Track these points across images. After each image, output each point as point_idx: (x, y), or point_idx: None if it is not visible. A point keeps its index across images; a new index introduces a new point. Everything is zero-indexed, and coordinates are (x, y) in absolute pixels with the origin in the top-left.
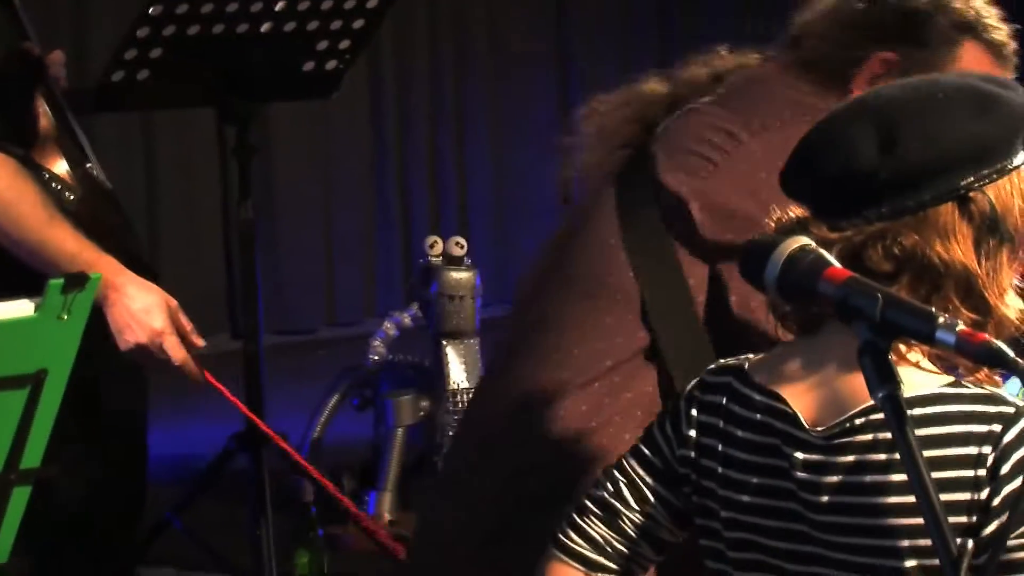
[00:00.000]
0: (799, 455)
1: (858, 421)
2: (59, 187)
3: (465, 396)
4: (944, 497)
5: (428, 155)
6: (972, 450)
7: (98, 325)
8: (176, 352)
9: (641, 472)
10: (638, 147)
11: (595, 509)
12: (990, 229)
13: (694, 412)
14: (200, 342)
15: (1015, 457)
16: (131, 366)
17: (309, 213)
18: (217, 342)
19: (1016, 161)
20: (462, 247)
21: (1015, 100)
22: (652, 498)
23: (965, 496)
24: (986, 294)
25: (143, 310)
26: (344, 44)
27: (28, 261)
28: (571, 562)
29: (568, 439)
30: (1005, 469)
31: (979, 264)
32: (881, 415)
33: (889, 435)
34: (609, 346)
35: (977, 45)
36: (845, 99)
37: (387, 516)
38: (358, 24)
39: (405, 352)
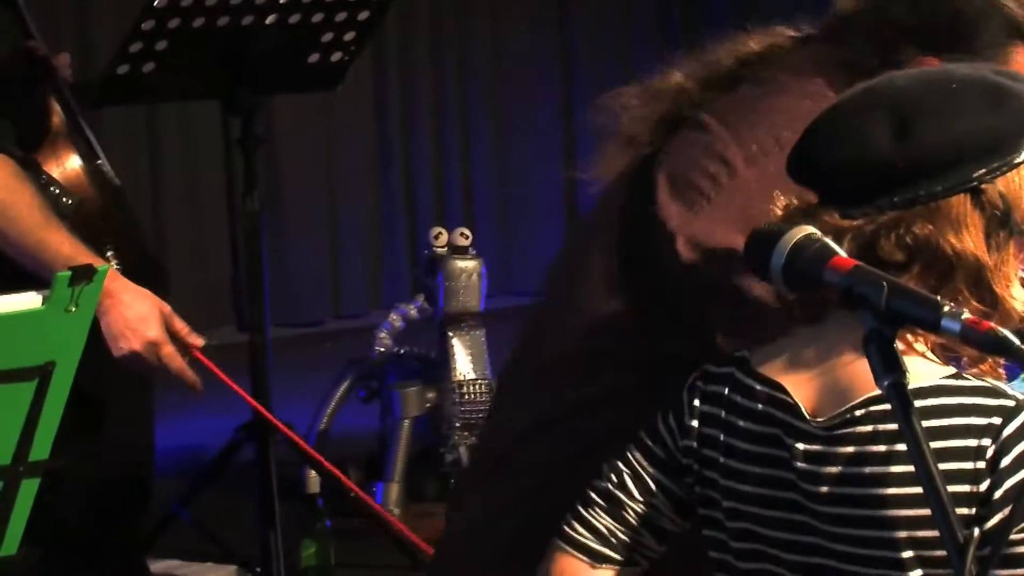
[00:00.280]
0: (800, 445)
1: (858, 412)
2: (56, 191)
3: (471, 387)
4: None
5: (433, 147)
6: (972, 442)
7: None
8: (173, 361)
9: (644, 463)
10: (654, 152)
11: (599, 500)
12: (1001, 222)
13: (697, 402)
14: (199, 340)
15: (1016, 450)
16: None
17: (314, 205)
18: (223, 334)
19: None
20: (467, 237)
21: (1019, 90)
22: (655, 488)
23: (964, 488)
24: (994, 286)
25: (137, 319)
26: (349, 36)
27: (23, 263)
28: (576, 553)
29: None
30: (1006, 462)
31: (989, 256)
32: (882, 406)
33: (890, 426)
34: None
35: None
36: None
37: (394, 508)
38: (363, 16)
39: (411, 344)
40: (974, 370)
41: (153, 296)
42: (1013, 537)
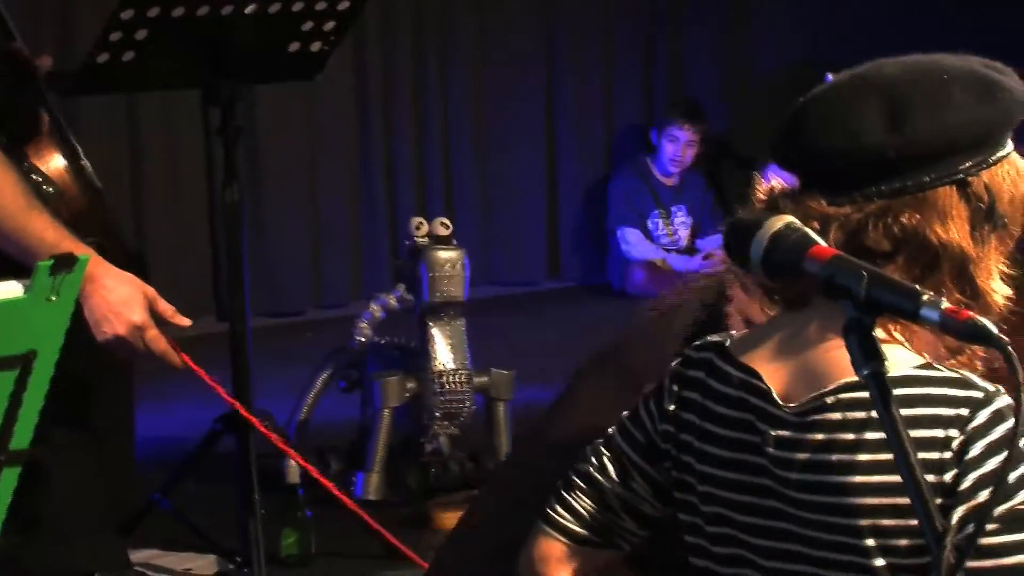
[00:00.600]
0: (772, 431)
1: (829, 399)
2: (39, 179)
3: (451, 377)
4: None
5: (413, 137)
6: (939, 433)
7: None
8: (157, 344)
9: (625, 447)
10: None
11: (580, 483)
12: (986, 215)
13: (676, 387)
14: (185, 321)
15: (984, 442)
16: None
17: (294, 195)
18: (203, 324)
19: (1008, 148)
20: (447, 227)
21: (1015, 88)
22: (635, 473)
23: (931, 478)
24: (976, 278)
25: (121, 302)
26: (329, 25)
27: (5, 248)
28: (557, 535)
29: None
30: (972, 453)
31: (973, 248)
32: (852, 394)
33: (858, 414)
34: None
35: None
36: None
37: (374, 496)
38: (343, 5)
39: (391, 334)
40: (950, 361)
41: (136, 280)
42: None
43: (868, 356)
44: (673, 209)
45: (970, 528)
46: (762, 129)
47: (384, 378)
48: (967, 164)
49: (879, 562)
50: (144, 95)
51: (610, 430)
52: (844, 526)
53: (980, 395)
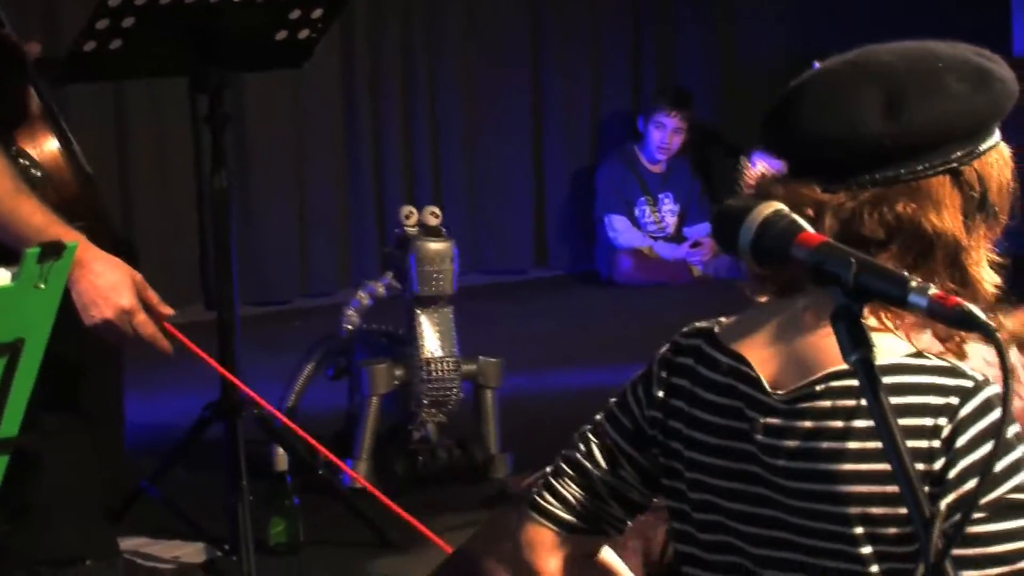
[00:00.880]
0: (761, 418)
1: (819, 387)
2: (26, 163)
3: (439, 365)
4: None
5: (401, 125)
6: (928, 421)
7: (70, 295)
8: (146, 328)
9: (613, 434)
10: None
11: (568, 470)
12: (979, 204)
13: (664, 374)
14: (169, 311)
15: (972, 431)
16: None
17: (282, 183)
18: (191, 312)
19: (996, 137)
20: (437, 216)
21: (1007, 77)
22: (622, 459)
23: (919, 466)
24: (968, 266)
25: (109, 287)
26: (317, 13)
27: None
28: (544, 522)
29: None
30: (961, 442)
31: (965, 236)
32: (842, 382)
33: (848, 402)
34: None
35: None
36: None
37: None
38: None
39: (379, 321)
40: (937, 350)
41: (125, 265)
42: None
43: (856, 343)
44: (660, 197)
45: (957, 516)
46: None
47: (372, 366)
48: (960, 153)
49: (867, 549)
50: (131, 83)
51: (598, 416)
52: (832, 513)
53: (969, 384)
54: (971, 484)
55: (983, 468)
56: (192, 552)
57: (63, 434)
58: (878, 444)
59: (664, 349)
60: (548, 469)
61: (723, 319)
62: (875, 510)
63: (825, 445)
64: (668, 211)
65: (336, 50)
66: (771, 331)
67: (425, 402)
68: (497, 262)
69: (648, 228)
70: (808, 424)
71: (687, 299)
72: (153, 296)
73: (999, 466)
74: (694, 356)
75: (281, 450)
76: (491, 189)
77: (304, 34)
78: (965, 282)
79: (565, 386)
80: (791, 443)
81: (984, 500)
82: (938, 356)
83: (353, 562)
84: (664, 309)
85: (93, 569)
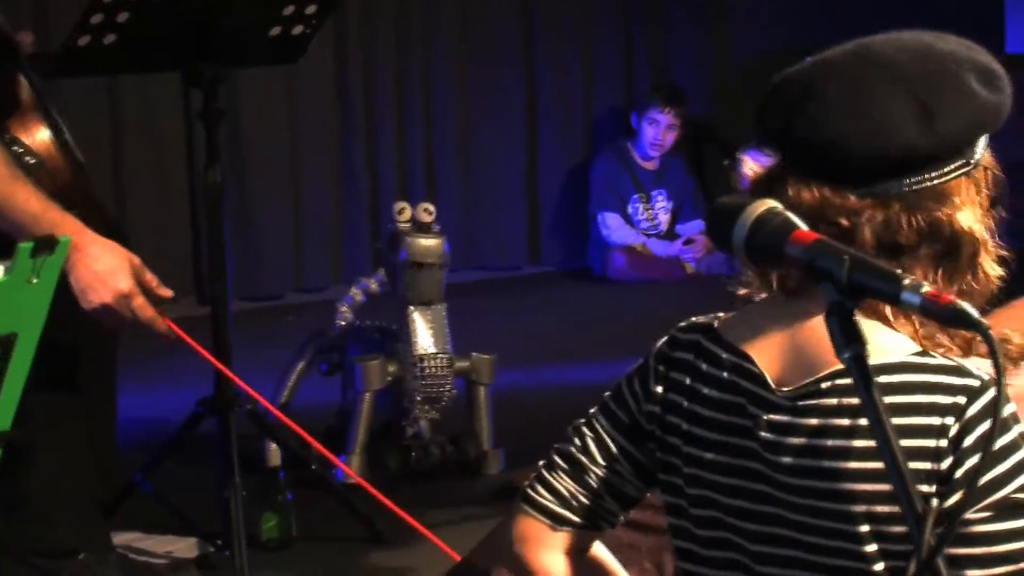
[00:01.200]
0: (764, 415)
1: (824, 384)
2: (20, 150)
3: (432, 361)
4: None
5: (395, 121)
6: (935, 420)
7: (66, 288)
8: (144, 312)
9: (608, 427)
10: None
11: (562, 464)
12: (991, 200)
13: (662, 368)
14: (168, 293)
15: (979, 430)
16: (97, 329)
17: (276, 179)
18: (184, 307)
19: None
20: (430, 213)
21: (1001, 70)
22: (618, 453)
23: (926, 466)
24: (982, 262)
25: (107, 271)
26: (311, 9)
27: None
28: (537, 516)
29: None
30: (968, 442)
31: (983, 233)
32: (847, 379)
33: (854, 400)
34: None
35: None
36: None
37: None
38: None
39: (372, 317)
40: (941, 348)
41: (122, 248)
42: (972, 516)
43: (849, 339)
44: (653, 194)
45: (964, 516)
46: (743, 114)
47: (365, 362)
48: (976, 152)
49: (871, 548)
50: (125, 78)
51: (592, 410)
52: (837, 511)
53: (976, 383)
54: (977, 484)
55: (989, 467)
56: (185, 547)
57: (55, 427)
58: None
59: (661, 343)
60: (541, 463)
61: (721, 315)
62: (881, 508)
63: (831, 443)
64: (661, 208)
65: (330, 46)
66: (775, 328)
67: (418, 398)
68: (490, 258)
69: (641, 225)
70: (814, 421)
71: (680, 296)
72: (151, 279)
73: (1004, 466)
74: (693, 351)
75: (274, 445)
76: (485, 185)
77: (298, 30)
78: (980, 278)
79: (558, 382)
80: (796, 440)
81: (990, 499)
82: (943, 355)
83: (346, 557)
84: (657, 306)
85: (87, 562)
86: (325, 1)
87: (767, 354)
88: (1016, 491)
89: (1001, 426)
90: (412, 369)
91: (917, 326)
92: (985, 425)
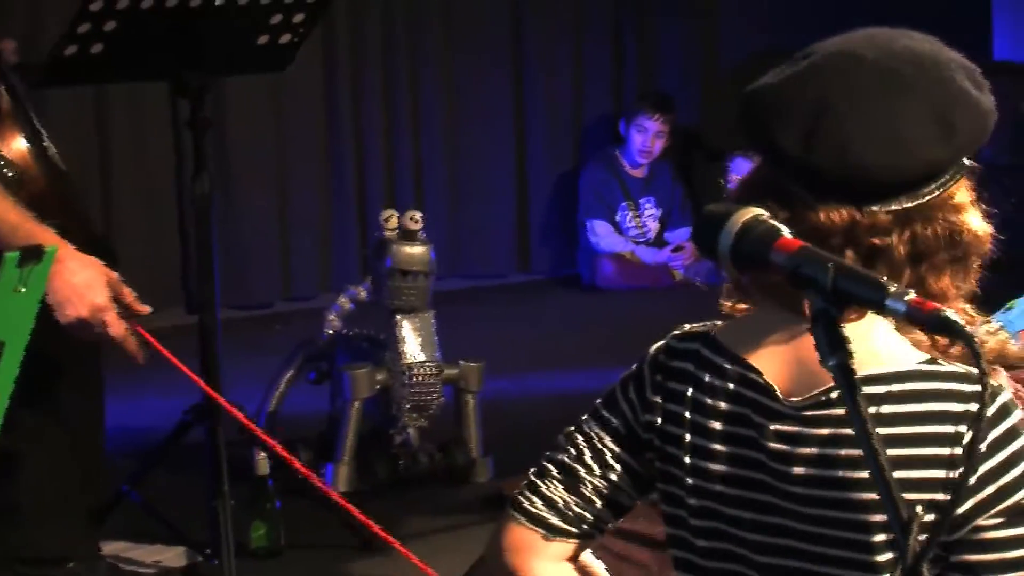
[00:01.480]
0: (771, 425)
1: (835, 394)
2: (1, 163)
3: (420, 369)
4: (920, 474)
5: (383, 128)
6: (949, 428)
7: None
8: (116, 328)
9: (604, 436)
10: None
11: (556, 473)
12: (980, 199)
13: (660, 378)
14: (145, 309)
15: (991, 437)
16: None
17: (264, 187)
18: (172, 316)
19: None
20: (418, 221)
21: (974, 66)
22: (614, 463)
23: (940, 474)
24: (977, 263)
25: (84, 284)
26: (298, 17)
27: None
28: (531, 525)
29: None
30: (981, 449)
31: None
32: (860, 389)
33: (868, 409)
34: None
35: None
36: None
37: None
38: None
39: (361, 325)
40: (955, 351)
41: (99, 263)
42: (984, 522)
43: (835, 347)
44: (642, 201)
45: (973, 523)
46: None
47: (354, 370)
48: (973, 156)
49: (884, 557)
50: (112, 87)
51: (583, 417)
52: (848, 521)
53: (987, 390)
54: (989, 490)
55: (1001, 474)
56: (173, 556)
57: (40, 436)
58: (899, 451)
59: (656, 352)
60: (532, 471)
61: (717, 323)
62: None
63: (843, 452)
64: (650, 216)
65: (317, 54)
66: (776, 338)
67: (407, 406)
68: (479, 266)
69: (630, 233)
70: (825, 431)
71: (669, 303)
72: (128, 294)
73: (1014, 472)
74: (693, 361)
75: (262, 454)
76: (473, 193)
77: (286, 39)
78: (971, 278)
79: (547, 390)
80: (807, 450)
81: (1001, 506)
82: (951, 361)
83: (334, 565)
84: (646, 313)
85: (75, 571)
86: (313, 10)
87: (771, 364)
88: None
89: (1011, 432)
90: (400, 377)
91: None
92: (997, 431)
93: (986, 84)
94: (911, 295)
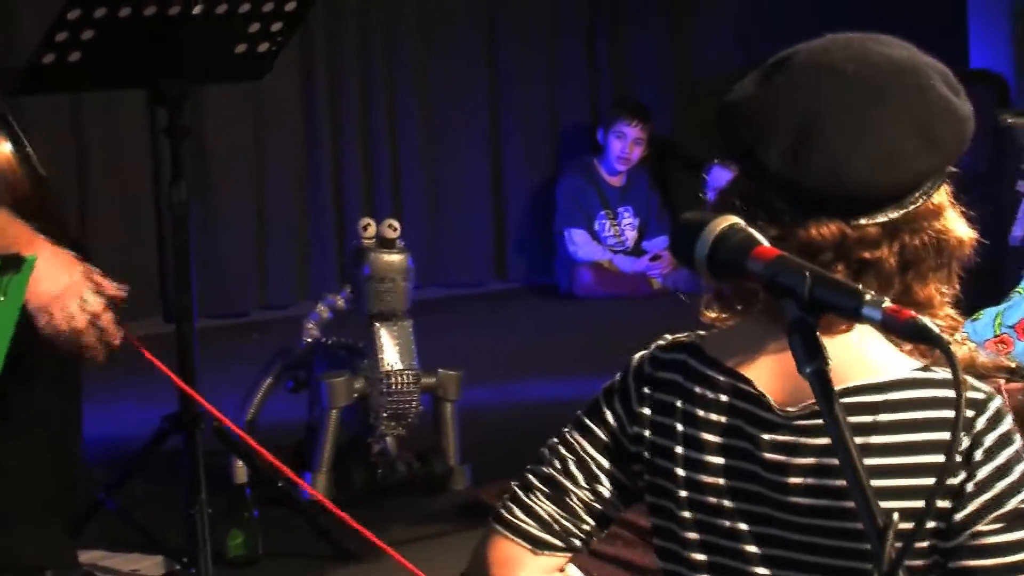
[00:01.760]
0: (766, 436)
1: None
2: None
3: (399, 378)
4: (918, 482)
5: (360, 137)
6: (946, 435)
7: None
8: (94, 305)
9: (589, 449)
10: None
11: (541, 486)
12: (971, 198)
13: (647, 390)
14: (120, 292)
15: (987, 442)
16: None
17: (241, 195)
18: (149, 325)
19: None
20: (395, 229)
21: (948, 70)
22: (601, 475)
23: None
24: (958, 268)
25: (59, 264)
26: (276, 26)
27: None
28: (517, 540)
29: None
30: (979, 455)
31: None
32: (853, 398)
33: (865, 419)
34: None
35: None
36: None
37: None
38: (290, 6)
39: (339, 334)
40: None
41: (74, 258)
42: (983, 528)
43: (811, 355)
44: (620, 210)
45: (972, 530)
46: (706, 130)
47: (331, 378)
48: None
49: None
50: (89, 95)
51: (565, 428)
52: (845, 530)
53: (980, 396)
54: (987, 496)
55: (998, 479)
56: (150, 565)
57: (19, 443)
58: (898, 459)
59: (640, 362)
60: (515, 483)
61: (702, 332)
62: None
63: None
64: (628, 225)
65: (295, 63)
66: (769, 348)
67: (384, 415)
68: (457, 274)
69: (608, 241)
70: (821, 441)
71: (647, 312)
72: (101, 280)
73: (1011, 477)
74: (680, 372)
75: (240, 462)
76: (451, 202)
77: (264, 47)
78: (953, 283)
79: (524, 399)
80: (804, 460)
81: (999, 511)
82: (944, 369)
83: (312, 574)
84: (624, 322)
85: None
86: (291, 18)
87: (763, 375)
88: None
89: (1005, 438)
90: (378, 386)
91: None
92: (991, 437)
93: (961, 88)
94: (887, 303)
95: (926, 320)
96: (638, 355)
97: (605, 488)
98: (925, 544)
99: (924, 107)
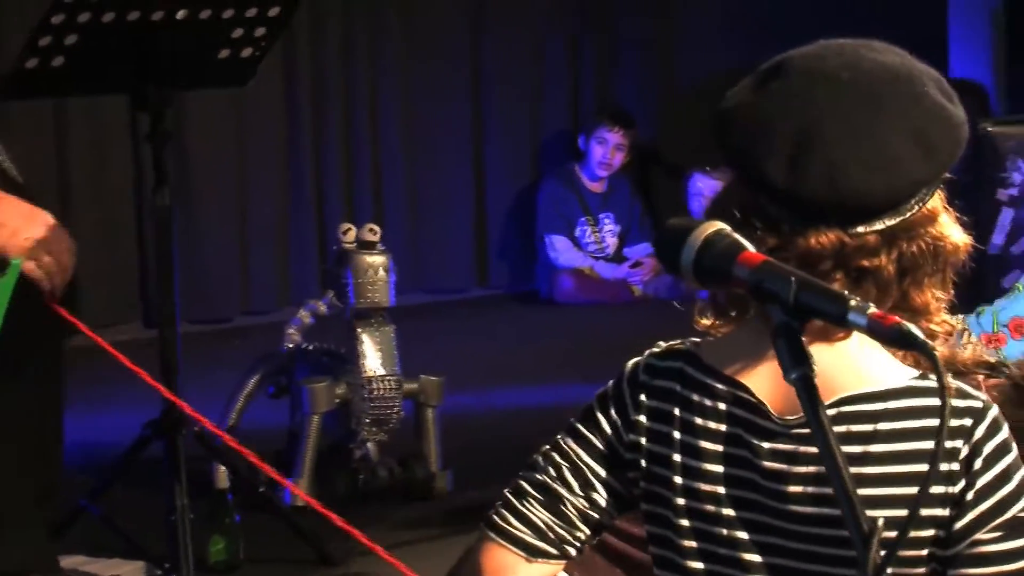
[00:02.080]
0: (765, 444)
1: (831, 412)
2: None
3: (380, 383)
4: (917, 490)
5: (342, 143)
6: (945, 444)
7: (8, 310)
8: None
9: (584, 456)
10: None
11: (535, 493)
12: (952, 206)
13: (643, 398)
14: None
15: (986, 450)
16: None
17: (223, 201)
18: (131, 330)
19: None
20: (375, 233)
21: (940, 76)
22: (596, 483)
23: (939, 490)
24: (952, 273)
25: (30, 209)
26: (259, 32)
27: None
28: (510, 547)
29: None
30: (978, 464)
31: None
32: (853, 407)
33: (864, 427)
34: None
35: None
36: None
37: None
38: (273, 12)
39: (321, 339)
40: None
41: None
42: (982, 536)
43: (797, 360)
44: (601, 217)
45: (972, 538)
46: (689, 137)
47: (313, 384)
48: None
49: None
50: (72, 100)
51: (558, 436)
52: (846, 539)
53: (978, 404)
54: (987, 504)
55: (997, 487)
56: (132, 570)
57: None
58: (899, 468)
59: (635, 369)
60: (508, 490)
61: (697, 340)
62: (892, 534)
63: None
64: (609, 231)
65: (278, 68)
66: (768, 356)
67: (366, 420)
68: (438, 281)
69: (589, 248)
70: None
71: (627, 319)
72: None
73: (1009, 486)
74: (678, 380)
75: (222, 468)
76: (432, 208)
77: (247, 53)
78: (948, 288)
79: (506, 404)
80: (803, 469)
81: (998, 520)
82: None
83: None
84: (604, 329)
85: None
86: (274, 24)
87: (761, 383)
88: (1022, 510)
89: (1004, 446)
90: (360, 391)
91: None
92: (990, 445)
93: (955, 94)
94: (872, 308)
95: (911, 326)
96: (632, 362)
97: (600, 496)
98: (924, 552)
99: (919, 114)
